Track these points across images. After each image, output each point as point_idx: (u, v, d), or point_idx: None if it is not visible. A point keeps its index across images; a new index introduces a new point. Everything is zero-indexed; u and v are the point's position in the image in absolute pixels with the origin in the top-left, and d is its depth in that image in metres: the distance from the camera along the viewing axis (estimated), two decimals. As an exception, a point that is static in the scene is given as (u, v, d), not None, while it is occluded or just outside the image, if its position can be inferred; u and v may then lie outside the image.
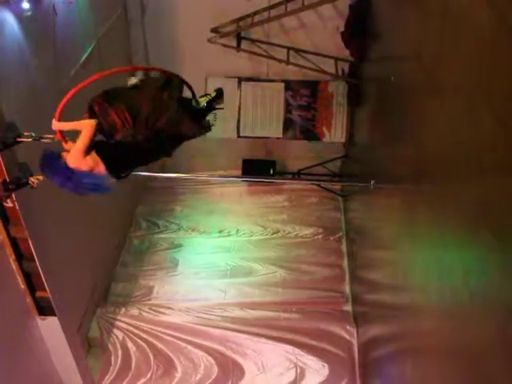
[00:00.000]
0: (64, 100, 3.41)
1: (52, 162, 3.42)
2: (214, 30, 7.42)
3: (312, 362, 6.24)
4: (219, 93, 4.03)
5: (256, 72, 8.22)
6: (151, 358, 6.37)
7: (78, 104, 3.49)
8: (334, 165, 8.62)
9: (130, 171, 3.70)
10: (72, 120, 3.53)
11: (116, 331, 6.52)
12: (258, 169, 8.23)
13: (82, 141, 3.39)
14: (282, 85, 8.20)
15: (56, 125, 3.48)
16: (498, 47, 2.48)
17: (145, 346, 6.43)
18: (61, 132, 3.56)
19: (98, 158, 3.43)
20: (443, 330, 3.17)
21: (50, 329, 5.38)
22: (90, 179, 3.46)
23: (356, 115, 7.83)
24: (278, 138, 8.43)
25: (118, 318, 6.60)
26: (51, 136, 3.59)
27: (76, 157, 3.38)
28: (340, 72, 7.73)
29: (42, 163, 3.44)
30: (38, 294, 5.16)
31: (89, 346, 6.49)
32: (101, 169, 3.44)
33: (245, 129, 8.35)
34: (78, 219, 5.95)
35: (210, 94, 4.05)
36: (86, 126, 3.40)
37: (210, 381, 6.24)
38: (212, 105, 4.00)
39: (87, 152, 3.40)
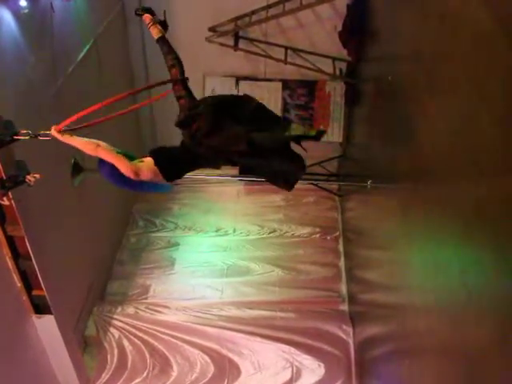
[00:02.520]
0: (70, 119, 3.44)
1: (112, 171, 3.46)
2: (212, 29, 7.41)
3: (308, 362, 6.24)
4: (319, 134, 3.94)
5: (254, 71, 8.21)
6: (147, 356, 6.36)
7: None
8: (331, 164, 8.61)
9: (184, 174, 3.76)
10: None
11: (112, 330, 6.51)
12: (256, 168, 8.22)
13: (119, 164, 3.40)
14: (280, 84, 8.19)
15: (60, 137, 3.45)
16: (495, 47, 2.48)
17: (141, 344, 6.42)
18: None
19: (156, 169, 3.47)
20: (440, 330, 3.17)
21: (46, 327, 5.38)
22: (150, 185, 3.59)
23: (353, 115, 7.83)
24: (275, 138, 8.42)
25: (115, 316, 6.59)
26: (48, 132, 3.58)
27: (131, 173, 3.40)
28: (338, 72, 7.73)
29: (102, 170, 3.51)
30: (35, 292, 5.15)
31: (85, 344, 6.48)
32: (159, 178, 3.52)
33: (242, 128, 8.33)
34: (74, 217, 5.95)
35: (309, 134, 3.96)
36: (100, 152, 3.41)
37: (206, 380, 6.23)
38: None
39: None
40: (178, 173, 3.70)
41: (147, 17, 4.05)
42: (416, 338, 3.74)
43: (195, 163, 3.76)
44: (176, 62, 3.87)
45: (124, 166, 3.39)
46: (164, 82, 3.74)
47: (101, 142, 3.55)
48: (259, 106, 3.83)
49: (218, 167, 3.99)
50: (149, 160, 3.52)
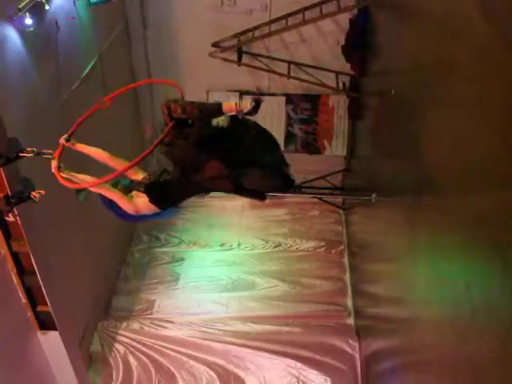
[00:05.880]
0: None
1: (113, 207, 3.62)
2: (215, 45, 7.47)
3: (314, 376, 6.20)
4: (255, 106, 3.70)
5: (257, 86, 8.25)
6: (153, 372, 6.33)
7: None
8: (335, 178, 8.62)
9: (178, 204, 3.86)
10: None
11: (117, 345, 6.50)
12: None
13: (120, 202, 3.55)
14: (283, 98, 8.23)
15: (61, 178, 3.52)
16: (497, 60, 2.49)
17: (146, 360, 6.40)
18: (61, 151, 3.56)
19: (153, 206, 3.62)
20: (445, 344, 3.15)
21: (51, 343, 5.36)
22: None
23: (357, 129, 7.85)
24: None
25: (120, 332, 6.58)
26: (50, 151, 3.60)
27: (132, 211, 3.58)
28: (341, 85, 7.76)
29: (104, 205, 3.66)
30: (39, 308, 5.15)
31: (90, 360, 6.46)
32: (157, 210, 3.67)
33: (246, 142, 8.36)
34: (79, 233, 5.96)
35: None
36: (101, 190, 3.52)
37: (211, 395, 6.21)
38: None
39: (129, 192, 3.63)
40: (173, 204, 3.80)
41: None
42: (422, 352, 3.72)
43: (187, 195, 3.85)
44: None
45: (125, 205, 3.55)
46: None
47: (102, 152, 3.65)
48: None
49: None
50: (144, 196, 3.64)
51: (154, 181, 3.68)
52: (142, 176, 3.70)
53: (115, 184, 3.63)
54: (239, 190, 3.72)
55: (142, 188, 3.64)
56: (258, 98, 3.71)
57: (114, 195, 3.53)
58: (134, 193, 3.65)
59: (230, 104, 3.65)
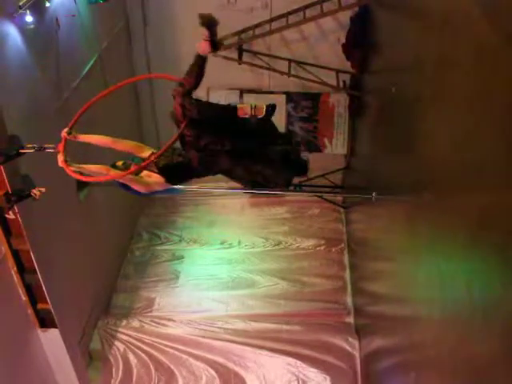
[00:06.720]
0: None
1: (125, 185, 3.79)
2: (216, 43, 7.45)
3: (314, 375, 6.21)
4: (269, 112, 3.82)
5: (258, 84, 8.24)
6: (152, 370, 6.34)
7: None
8: (335, 176, 8.61)
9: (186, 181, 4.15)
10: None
11: (117, 343, 6.50)
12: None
13: (132, 184, 3.72)
14: (284, 97, 8.22)
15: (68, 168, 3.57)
16: (498, 57, 2.49)
17: (146, 358, 6.41)
18: (64, 145, 3.58)
19: (166, 184, 3.85)
20: (446, 342, 3.15)
21: (51, 341, 5.37)
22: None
23: (357, 127, 7.83)
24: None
25: (120, 329, 6.59)
26: (52, 145, 3.61)
27: (145, 191, 3.81)
28: (341, 84, 7.75)
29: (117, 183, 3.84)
30: (40, 305, 5.16)
31: (90, 358, 6.46)
32: (166, 186, 3.87)
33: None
34: (79, 231, 5.96)
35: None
36: (112, 175, 3.66)
37: (211, 393, 6.21)
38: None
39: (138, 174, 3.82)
40: (186, 180, 4.09)
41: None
42: (422, 351, 3.72)
43: (197, 175, 4.04)
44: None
45: (138, 186, 3.72)
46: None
47: (105, 138, 3.84)
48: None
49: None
50: (157, 177, 3.80)
51: (169, 163, 3.82)
52: (148, 153, 3.79)
53: (128, 166, 3.72)
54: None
55: (153, 168, 3.79)
56: (273, 104, 3.84)
57: (127, 180, 3.66)
58: (145, 173, 3.73)
59: (245, 107, 3.77)
